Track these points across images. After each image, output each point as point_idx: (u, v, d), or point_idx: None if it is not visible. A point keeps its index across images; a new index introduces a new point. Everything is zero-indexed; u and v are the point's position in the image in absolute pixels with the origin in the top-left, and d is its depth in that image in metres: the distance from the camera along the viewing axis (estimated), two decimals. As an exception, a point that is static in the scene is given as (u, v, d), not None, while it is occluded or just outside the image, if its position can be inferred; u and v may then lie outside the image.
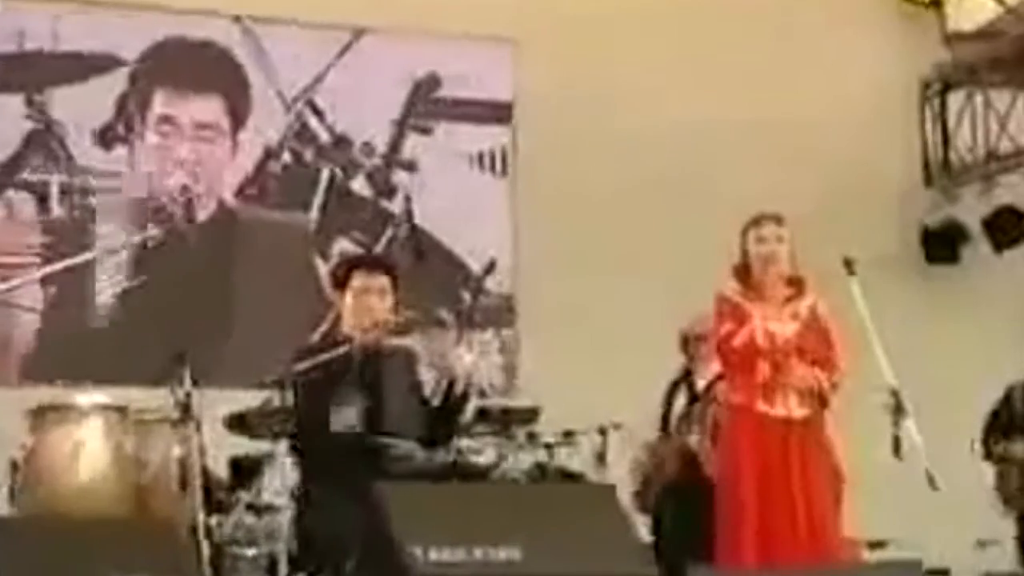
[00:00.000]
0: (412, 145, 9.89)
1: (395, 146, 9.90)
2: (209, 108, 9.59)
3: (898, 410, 5.83)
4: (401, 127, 9.91)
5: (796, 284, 6.15)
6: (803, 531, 5.78)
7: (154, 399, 6.17)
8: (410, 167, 9.87)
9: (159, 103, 9.48)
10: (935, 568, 8.06)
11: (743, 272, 6.12)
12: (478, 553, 4.86)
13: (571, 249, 9.68)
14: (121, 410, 6.15)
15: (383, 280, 5.88)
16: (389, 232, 9.77)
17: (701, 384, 7.30)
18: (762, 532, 5.77)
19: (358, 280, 5.85)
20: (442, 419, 5.89)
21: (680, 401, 7.34)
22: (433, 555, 4.82)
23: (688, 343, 7.40)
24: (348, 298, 5.87)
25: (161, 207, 9.45)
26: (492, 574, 4.84)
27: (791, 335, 6.00)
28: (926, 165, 10.67)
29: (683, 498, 6.88)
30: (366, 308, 5.81)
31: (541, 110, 9.87)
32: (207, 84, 9.59)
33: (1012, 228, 10.27)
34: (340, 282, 5.93)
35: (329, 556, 5.57)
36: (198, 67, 9.58)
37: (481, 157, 10.05)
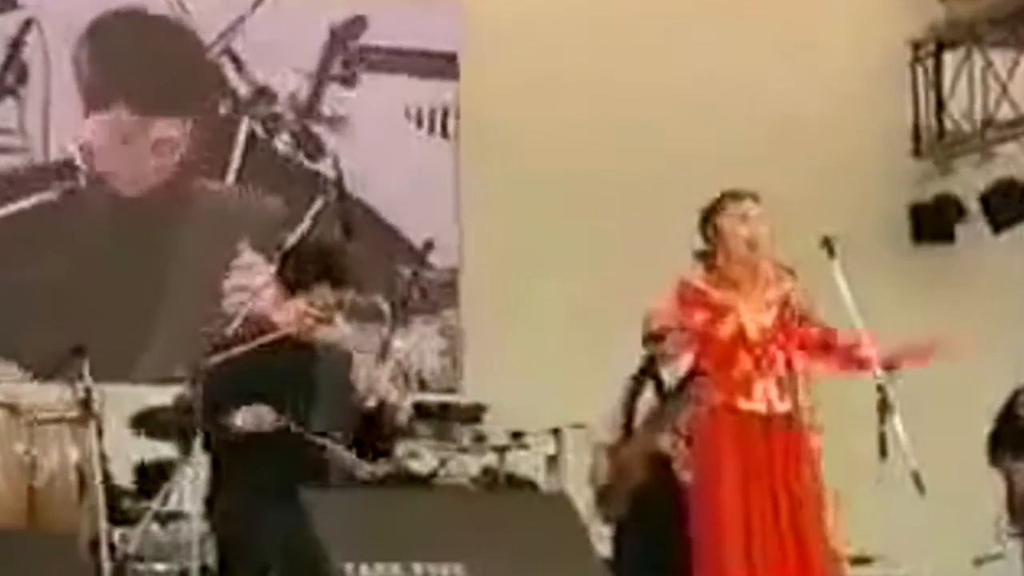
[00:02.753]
0: (341, 99, 9.82)
1: (321, 100, 9.80)
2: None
3: (884, 406, 5.87)
4: (328, 78, 9.81)
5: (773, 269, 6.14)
6: (788, 542, 5.81)
7: (49, 396, 6.14)
8: (339, 125, 9.78)
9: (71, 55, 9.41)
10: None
11: (710, 257, 6.11)
12: (417, 569, 4.86)
13: (524, 225, 9.66)
14: (11, 408, 6.11)
15: (337, 294, 5.89)
16: (319, 203, 9.69)
17: (669, 378, 7.30)
18: (745, 542, 5.79)
19: (320, 292, 5.83)
20: (377, 424, 5.90)
21: (646, 397, 7.33)
22: (365, 571, 4.82)
23: (653, 337, 7.38)
24: (300, 303, 5.84)
25: (58, 170, 9.36)
26: (432, 593, 4.85)
27: (769, 325, 6.02)
28: (917, 134, 10.73)
29: (652, 507, 6.89)
30: (315, 317, 5.82)
31: (492, 63, 9.83)
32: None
33: (1012, 204, 10.33)
34: (288, 282, 5.89)
35: (248, 572, 5.56)
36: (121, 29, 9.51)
37: (421, 116, 9.99)
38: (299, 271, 5.89)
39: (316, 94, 9.81)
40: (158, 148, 9.53)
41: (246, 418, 5.56)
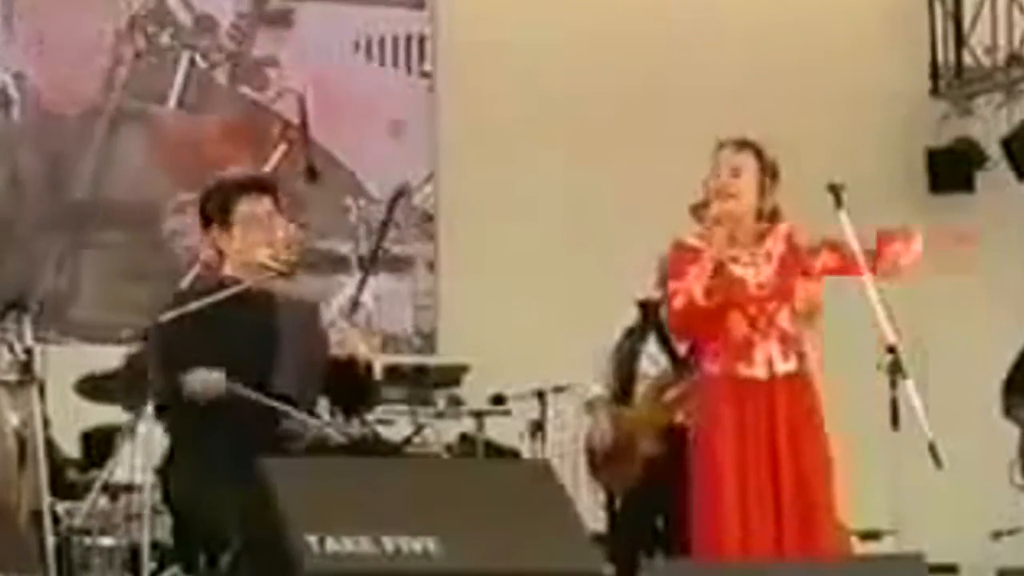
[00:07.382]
0: (300, 29, 9.79)
1: (276, 31, 9.79)
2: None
3: (896, 371, 5.91)
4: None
5: (770, 217, 6.17)
6: (789, 519, 5.86)
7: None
8: (298, 58, 9.75)
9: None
10: (942, 564, 8.20)
11: (703, 211, 6.15)
12: (388, 544, 4.88)
13: (506, 166, 9.65)
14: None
15: (268, 203, 5.90)
16: (283, 146, 9.67)
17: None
18: (742, 520, 5.84)
19: (244, 206, 5.85)
20: (350, 385, 5.94)
21: (650, 351, 7.20)
22: (331, 546, 4.83)
23: (648, 308, 7.27)
24: (234, 231, 5.86)
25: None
26: (404, 569, 4.87)
27: (766, 279, 6.04)
28: (934, 71, 10.74)
29: (663, 483, 6.86)
30: (261, 237, 5.82)
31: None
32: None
33: (1037, 149, 10.36)
34: (217, 215, 5.90)
35: (203, 546, 5.60)
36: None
37: (395, 49, 9.95)
38: (212, 201, 5.89)
39: (272, 25, 9.82)
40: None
41: (195, 384, 5.56)
